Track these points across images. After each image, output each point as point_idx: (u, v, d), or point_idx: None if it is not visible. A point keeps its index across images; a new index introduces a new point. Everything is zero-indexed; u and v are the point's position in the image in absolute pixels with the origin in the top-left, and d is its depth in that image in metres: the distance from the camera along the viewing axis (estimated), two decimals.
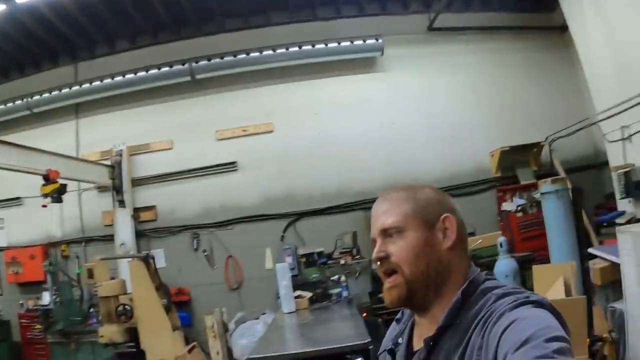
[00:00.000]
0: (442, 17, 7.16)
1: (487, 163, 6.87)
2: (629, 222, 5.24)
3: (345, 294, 4.96)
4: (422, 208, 1.05)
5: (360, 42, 6.87)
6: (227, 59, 6.81)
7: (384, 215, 1.06)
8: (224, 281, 6.87)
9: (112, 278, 5.13)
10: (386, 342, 1.21)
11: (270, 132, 7.08)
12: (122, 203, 6.74)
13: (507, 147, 6.52)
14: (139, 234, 6.86)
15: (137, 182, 6.98)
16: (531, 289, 3.45)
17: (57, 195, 5.44)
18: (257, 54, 6.81)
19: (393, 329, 1.22)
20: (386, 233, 1.04)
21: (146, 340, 4.28)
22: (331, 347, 3.10)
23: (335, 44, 6.87)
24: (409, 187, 1.12)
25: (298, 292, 5.05)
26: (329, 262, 5.96)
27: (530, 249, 5.60)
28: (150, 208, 7.06)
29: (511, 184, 6.75)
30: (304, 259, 6.12)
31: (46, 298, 6.76)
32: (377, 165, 6.92)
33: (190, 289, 6.73)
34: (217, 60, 6.81)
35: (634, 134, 5.29)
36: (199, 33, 7.16)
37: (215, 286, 6.80)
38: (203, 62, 6.80)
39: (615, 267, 3.85)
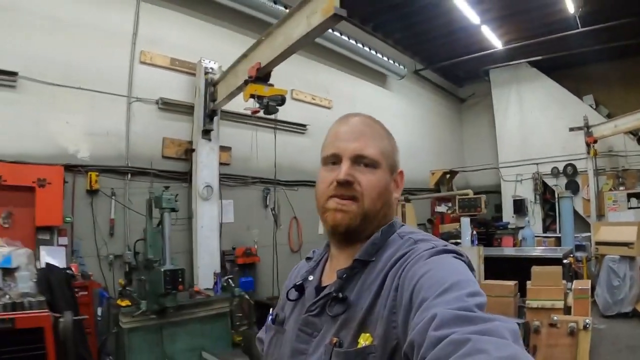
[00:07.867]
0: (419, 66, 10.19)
1: (426, 177, 9.80)
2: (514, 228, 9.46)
3: None
4: (392, 153, 1.07)
5: (396, 63, 8.64)
6: None
7: (363, 140, 1.01)
8: (287, 242, 6.71)
9: None
10: (294, 278, 1.16)
11: (330, 108, 7.55)
12: (206, 134, 5.54)
13: (447, 169, 9.75)
14: None
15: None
16: None
17: (277, 104, 4.34)
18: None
19: (302, 266, 1.20)
20: (359, 160, 0.99)
21: None
22: None
23: (375, 54, 8.27)
24: (382, 125, 1.11)
25: None
26: None
27: None
28: (226, 149, 6.03)
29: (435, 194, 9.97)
30: None
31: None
32: None
33: (256, 250, 6.11)
34: None
35: (524, 179, 9.70)
36: None
37: (279, 247, 6.55)
38: None
39: None
